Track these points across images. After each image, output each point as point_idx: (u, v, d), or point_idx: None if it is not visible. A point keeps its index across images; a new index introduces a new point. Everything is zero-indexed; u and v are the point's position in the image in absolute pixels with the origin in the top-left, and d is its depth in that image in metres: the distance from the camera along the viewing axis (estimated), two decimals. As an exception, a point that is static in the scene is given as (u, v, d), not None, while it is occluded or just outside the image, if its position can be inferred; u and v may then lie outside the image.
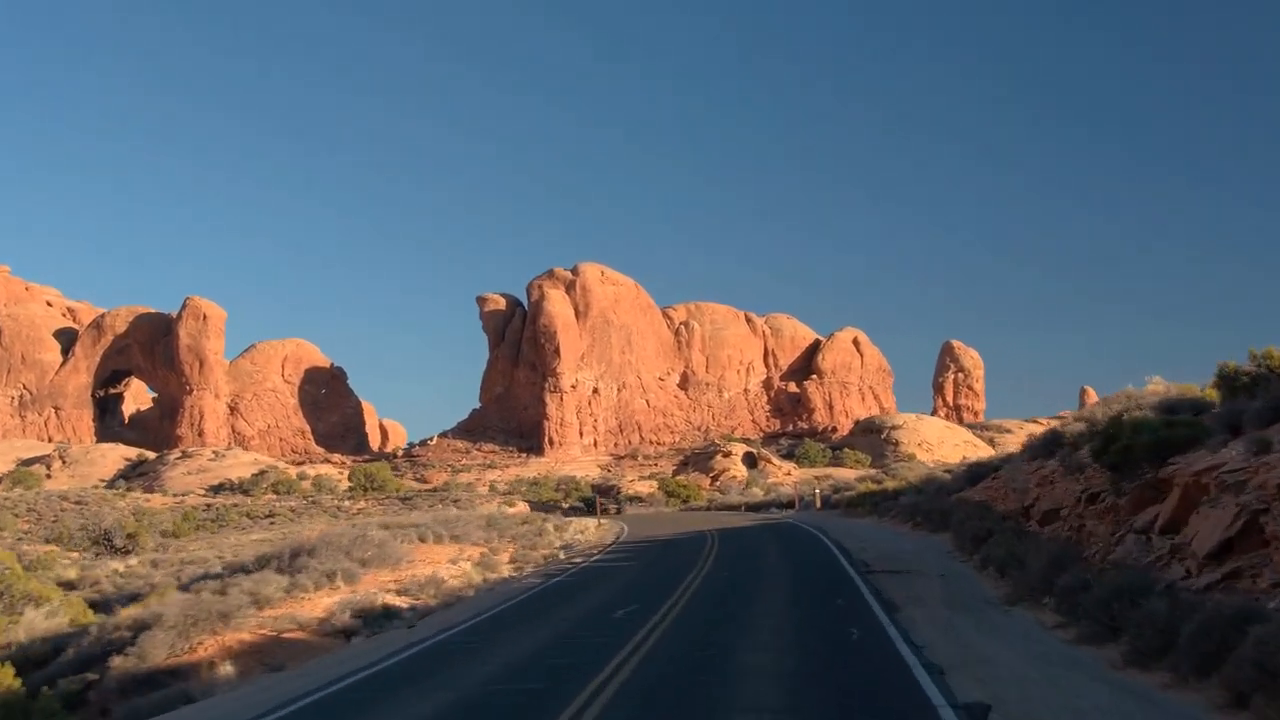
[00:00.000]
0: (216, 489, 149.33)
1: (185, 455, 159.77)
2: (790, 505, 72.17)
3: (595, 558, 45.55)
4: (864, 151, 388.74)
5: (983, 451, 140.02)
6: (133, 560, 77.60)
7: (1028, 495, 37.26)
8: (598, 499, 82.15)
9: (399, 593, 37.52)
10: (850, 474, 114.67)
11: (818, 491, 69.07)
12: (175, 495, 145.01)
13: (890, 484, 60.22)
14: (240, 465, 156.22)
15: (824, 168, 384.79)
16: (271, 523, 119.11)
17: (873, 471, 79.09)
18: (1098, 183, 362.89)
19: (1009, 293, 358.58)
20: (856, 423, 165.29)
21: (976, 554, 35.41)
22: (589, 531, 62.36)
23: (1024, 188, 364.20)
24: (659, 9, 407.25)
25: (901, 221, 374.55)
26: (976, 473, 49.18)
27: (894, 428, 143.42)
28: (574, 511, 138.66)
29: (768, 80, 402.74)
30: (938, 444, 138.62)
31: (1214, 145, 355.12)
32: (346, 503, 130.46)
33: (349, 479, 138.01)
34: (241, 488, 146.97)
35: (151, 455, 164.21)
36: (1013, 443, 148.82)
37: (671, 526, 61.50)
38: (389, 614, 32.38)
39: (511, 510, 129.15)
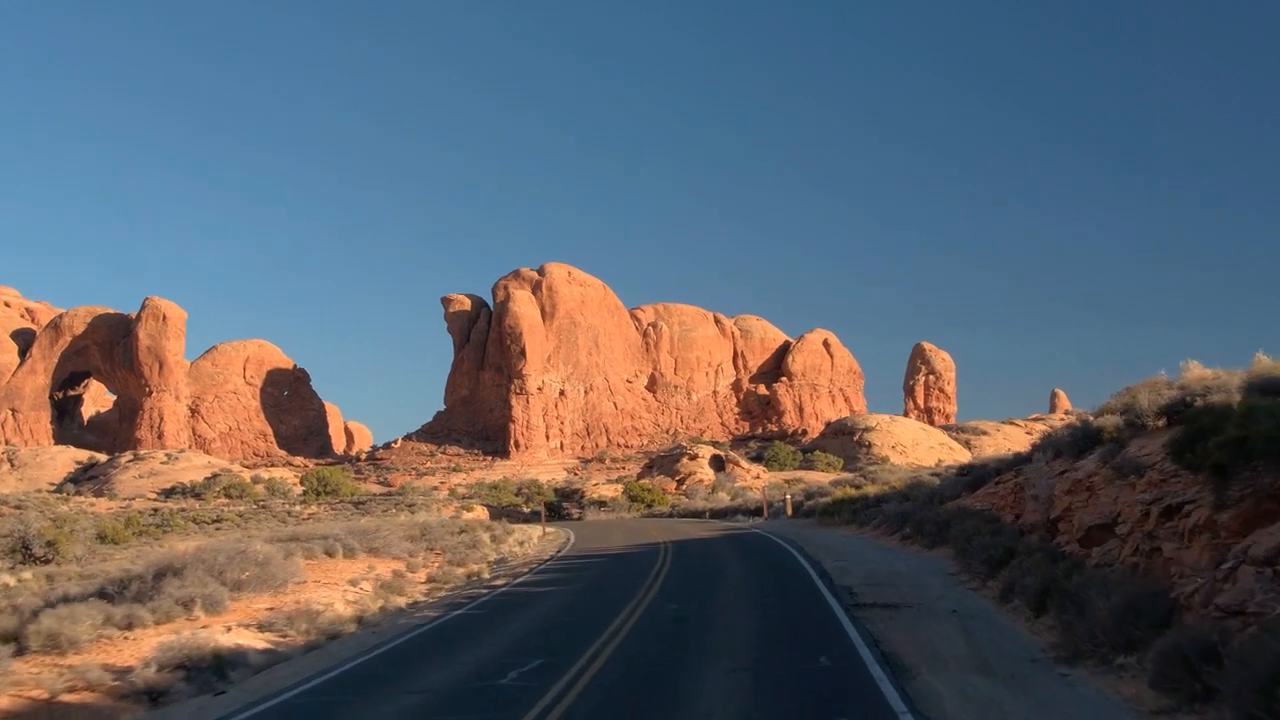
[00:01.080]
0: (168, 493, 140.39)
1: (137, 458, 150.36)
2: (759, 512, 63.80)
3: (522, 578, 36.86)
4: (833, 155, 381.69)
5: (958, 454, 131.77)
6: (37, 571, 68.65)
7: (1053, 505, 28.75)
8: (544, 510, 72.87)
9: (262, 628, 28.77)
10: (823, 478, 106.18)
11: (789, 497, 60.25)
12: (124, 499, 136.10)
13: (871, 489, 51.72)
14: (194, 468, 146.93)
15: (794, 170, 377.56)
16: (217, 528, 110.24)
17: (848, 475, 70.43)
18: (1066, 187, 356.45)
19: (979, 296, 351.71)
20: (828, 424, 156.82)
21: (992, 580, 26.97)
22: (531, 542, 53.67)
23: (993, 191, 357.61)
24: (627, 12, 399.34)
25: (871, 224, 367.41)
26: (977, 476, 40.64)
27: (867, 429, 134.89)
28: (535, 517, 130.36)
29: (737, 83, 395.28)
30: (912, 446, 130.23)
31: (1183, 151, 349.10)
32: (298, 507, 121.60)
33: (301, 483, 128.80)
34: (193, 491, 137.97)
35: (103, 458, 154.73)
36: (989, 445, 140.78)
37: (624, 537, 52.91)
38: (222, 663, 23.61)
39: (469, 515, 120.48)
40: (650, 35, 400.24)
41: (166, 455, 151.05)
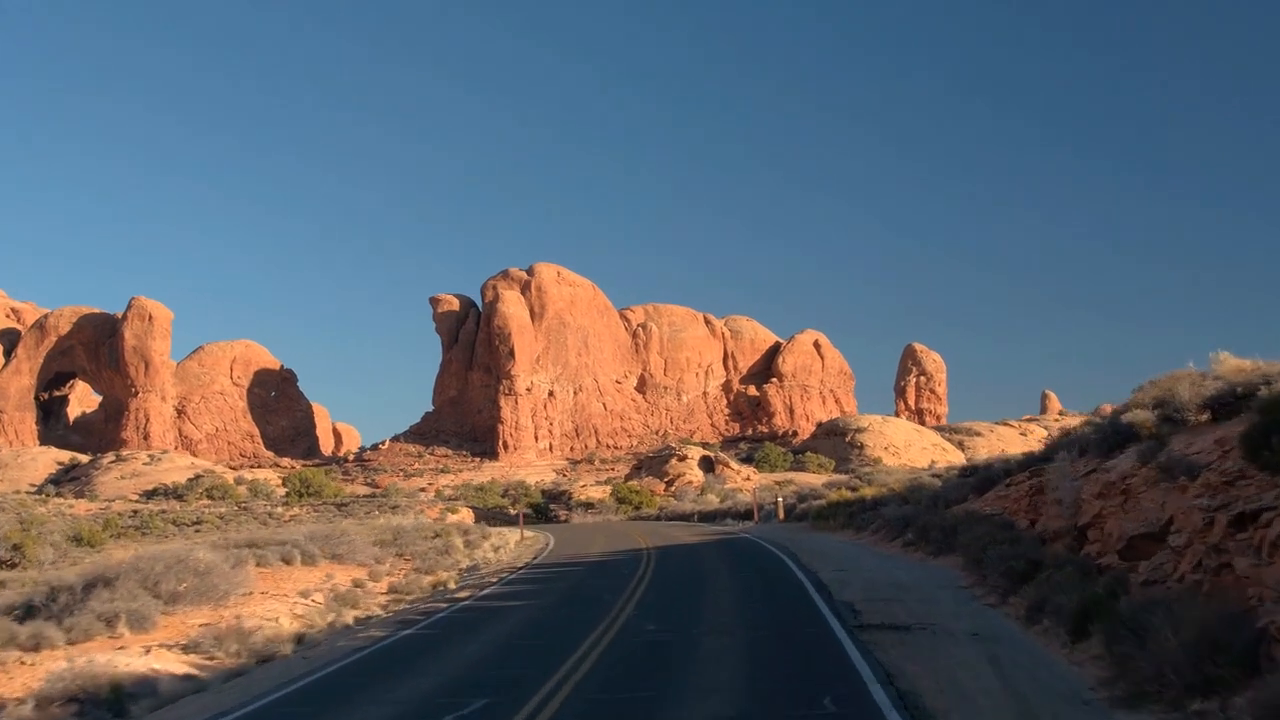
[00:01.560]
0: (150, 494, 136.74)
1: (119, 459, 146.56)
2: (749, 515, 60.16)
3: (489, 590, 33.22)
4: (824, 155, 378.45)
5: (951, 455, 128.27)
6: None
7: (1080, 510, 25.19)
8: (521, 514, 68.77)
9: (187, 649, 25.15)
10: (814, 479, 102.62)
11: (780, 500, 56.37)
12: (105, 501, 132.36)
13: (868, 491, 47.99)
14: (177, 469, 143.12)
15: (784, 170, 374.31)
16: (197, 530, 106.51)
17: (842, 477, 66.77)
18: (1057, 188, 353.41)
19: (970, 297, 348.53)
20: (819, 425, 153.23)
21: (1013, 596, 23.41)
22: (507, 548, 50.00)
23: (983, 192, 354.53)
24: (618, 12, 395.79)
25: (862, 225, 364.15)
26: (985, 478, 37.02)
27: (859, 430, 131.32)
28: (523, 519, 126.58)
29: (729, 83, 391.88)
30: (904, 447, 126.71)
31: (1175, 152, 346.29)
32: (279, 509, 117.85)
33: (284, 484, 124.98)
34: (176, 493, 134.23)
35: (85, 459, 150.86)
36: (983, 446, 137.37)
37: (606, 541, 49.28)
38: (120, 695, 19.99)
39: (454, 517, 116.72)
40: (641, 34, 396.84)
41: (149, 456, 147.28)
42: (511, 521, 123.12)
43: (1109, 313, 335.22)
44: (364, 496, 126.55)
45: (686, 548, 42.82)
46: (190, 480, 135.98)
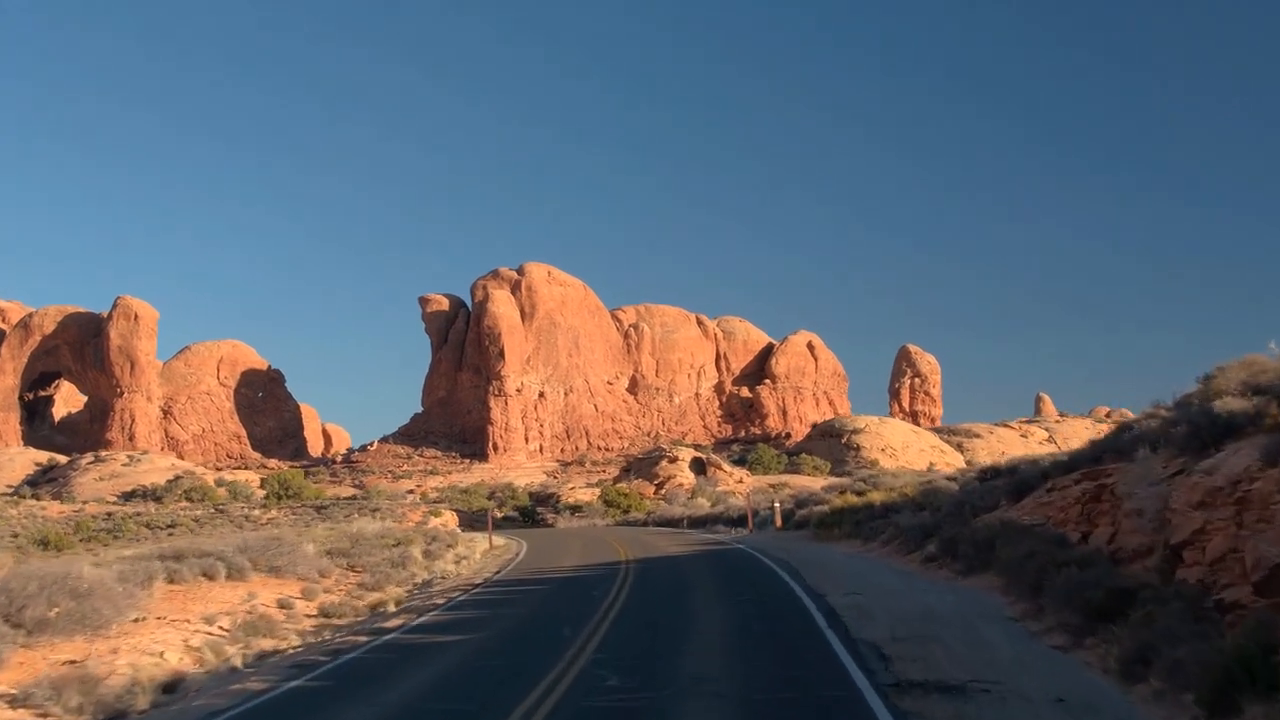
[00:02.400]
0: (128, 496, 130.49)
1: (98, 460, 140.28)
2: (742, 522, 53.97)
3: (428, 616, 27.09)
4: (817, 157, 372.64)
5: (950, 457, 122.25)
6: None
7: (1170, 523, 19.14)
8: (490, 519, 61.98)
9: (16, 702, 19.04)
10: (811, 482, 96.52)
11: (778, 505, 49.42)
12: (84, 502, 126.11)
13: (876, 496, 41.52)
14: (157, 470, 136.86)
15: (777, 172, 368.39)
16: (170, 533, 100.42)
17: (842, 480, 60.14)
18: (1050, 191, 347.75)
19: (963, 300, 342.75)
20: (814, 426, 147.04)
21: (1090, 636, 17.38)
22: (473, 558, 43.87)
23: (977, 196, 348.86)
24: (610, 12, 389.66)
25: (856, 227, 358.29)
26: (1020, 481, 30.90)
27: (855, 431, 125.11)
28: (508, 523, 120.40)
29: (721, 84, 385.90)
30: (902, 449, 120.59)
31: (1171, 155, 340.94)
32: (257, 511, 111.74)
33: (261, 486, 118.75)
34: (154, 494, 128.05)
35: (64, 460, 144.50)
36: (982, 448, 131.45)
37: (583, 552, 43.15)
38: None
39: (436, 521, 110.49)
40: (633, 34, 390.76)
41: (128, 457, 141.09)
42: (498, 526, 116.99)
43: (1101, 316, 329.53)
44: (344, 499, 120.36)
45: (670, 561, 36.67)
46: (169, 482, 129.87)
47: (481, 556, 44.67)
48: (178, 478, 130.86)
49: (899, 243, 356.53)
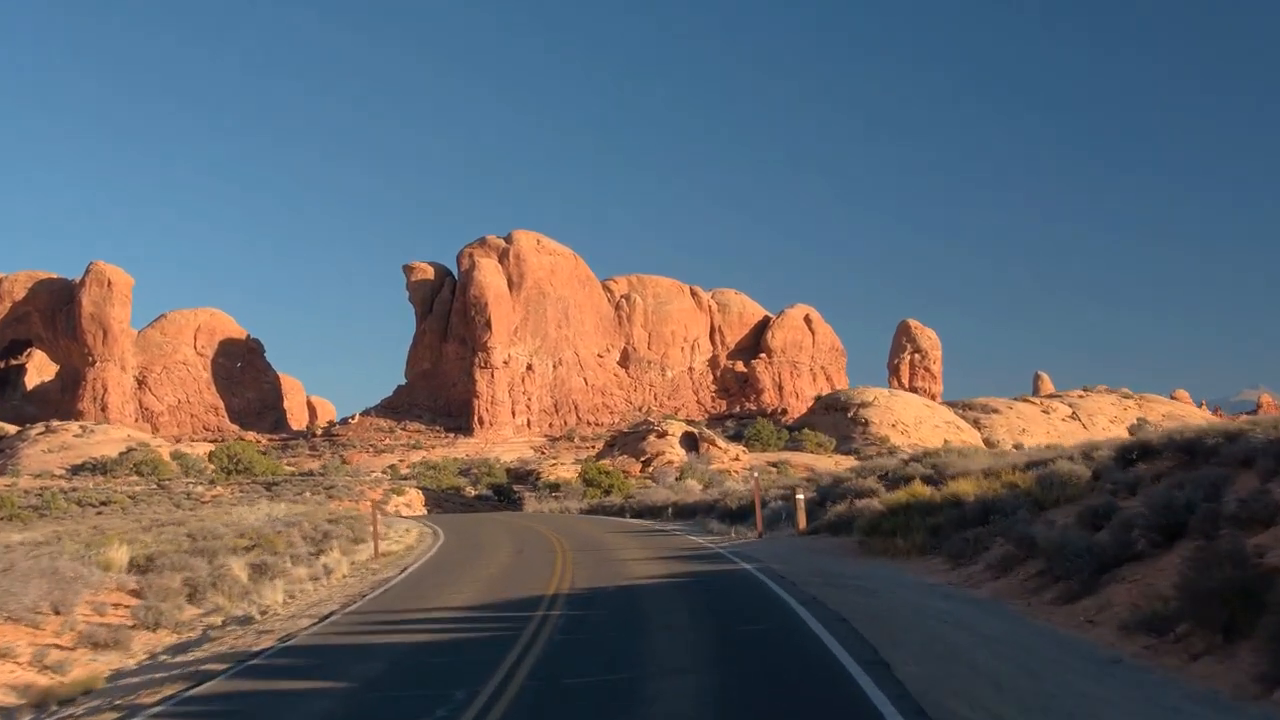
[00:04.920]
0: (78, 469, 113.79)
1: (49, 430, 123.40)
2: (742, 516, 37.01)
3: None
4: (812, 136, 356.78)
5: (966, 434, 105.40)
6: None
7: None
8: (374, 515, 43.46)
9: None
10: (818, 461, 79.90)
11: (800, 498, 31.12)
12: (30, 475, 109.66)
13: (967, 487, 23.61)
14: (109, 442, 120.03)
15: (775, 149, 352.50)
16: (99, 512, 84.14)
17: (886, 461, 41.01)
18: (1047, 173, 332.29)
19: (961, 280, 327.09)
20: (817, 399, 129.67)
21: None
22: (337, 573, 26.82)
23: (973, 176, 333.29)
24: None
25: (854, 206, 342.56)
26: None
27: (863, 405, 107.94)
28: (483, 502, 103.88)
29: (718, 65, 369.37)
30: (915, 425, 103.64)
31: (1168, 138, 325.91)
32: (201, 488, 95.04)
33: (210, 460, 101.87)
34: (104, 468, 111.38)
35: (13, 430, 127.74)
36: (1000, 424, 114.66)
37: (507, 566, 26.18)
38: None
39: (399, 500, 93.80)
40: (629, 15, 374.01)
41: (81, 428, 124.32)
42: (470, 506, 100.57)
43: (1098, 295, 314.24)
44: (299, 475, 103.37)
45: (627, 601, 19.47)
46: (121, 455, 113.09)
47: (352, 570, 27.69)
48: (130, 450, 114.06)
49: (896, 222, 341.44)
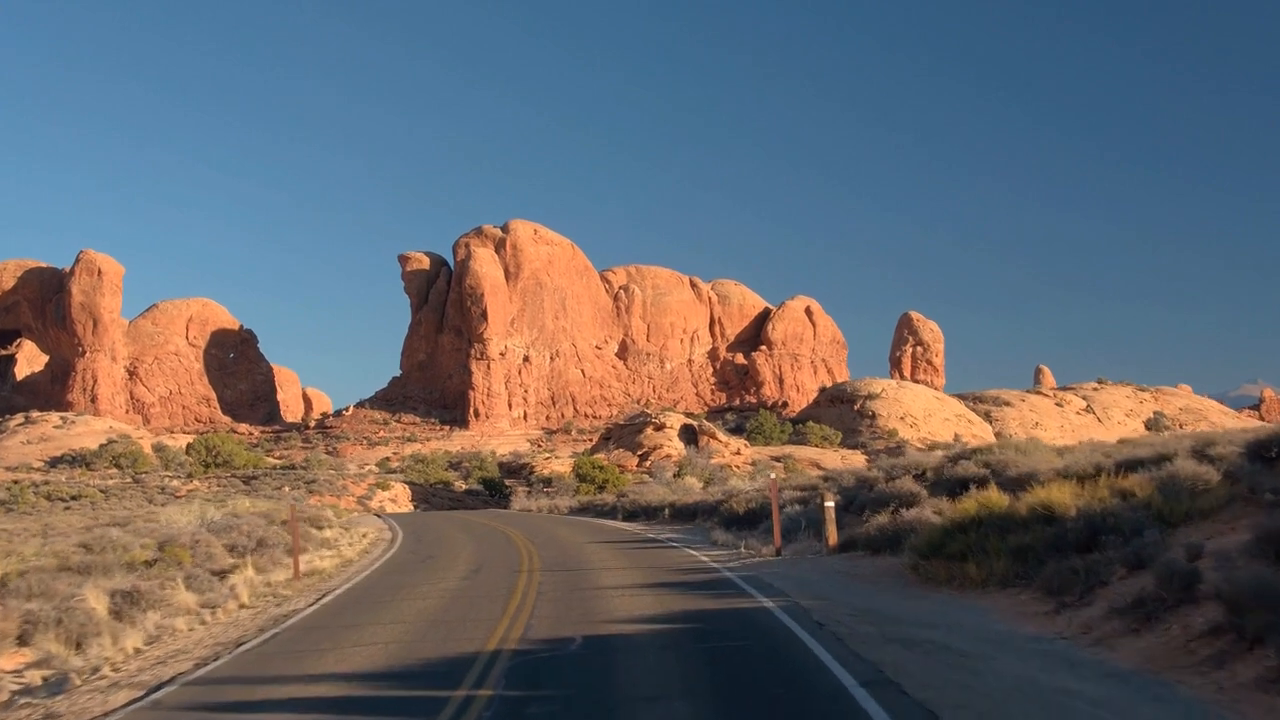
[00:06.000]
0: (57, 461, 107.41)
1: (28, 421, 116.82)
2: (750, 520, 30.37)
3: None
4: (810, 129, 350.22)
5: (978, 428, 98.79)
6: None
7: None
8: (294, 526, 35.49)
9: None
10: (825, 457, 73.22)
11: (830, 505, 24.43)
12: (3, 468, 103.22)
13: (1062, 495, 16.50)
14: (90, 434, 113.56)
15: (774, 141, 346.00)
16: (67, 508, 77.75)
17: (923, 458, 33.30)
18: (1048, 169, 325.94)
19: (962, 274, 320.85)
20: (822, 390, 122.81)
21: None
22: (228, 605, 20.09)
23: (975, 173, 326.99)
24: None
25: (854, 200, 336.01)
26: None
27: (870, 397, 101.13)
28: (472, 498, 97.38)
29: (718, 55, 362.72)
30: (924, 417, 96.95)
31: (1171, 134, 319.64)
32: (177, 482, 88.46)
33: (186, 452, 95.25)
34: (84, 460, 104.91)
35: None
36: (1013, 417, 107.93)
37: (455, 591, 19.72)
38: None
39: (384, 494, 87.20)
40: (624, 2, 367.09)
41: (61, 418, 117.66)
42: (458, 502, 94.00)
43: (1097, 289, 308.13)
44: (279, 469, 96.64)
45: (600, 668, 12.94)
46: (101, 447, 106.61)
47: (255, 597, 20.98)
48: (111, 442, 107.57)
49: (897, 214, 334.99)
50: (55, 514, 69.15)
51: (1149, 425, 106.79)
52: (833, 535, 22.14)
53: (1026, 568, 17.06)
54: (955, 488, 24.52)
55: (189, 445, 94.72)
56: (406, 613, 17.87)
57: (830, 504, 22.25)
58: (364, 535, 35.87)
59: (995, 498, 18.21)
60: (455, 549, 29.90)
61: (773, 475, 26.38)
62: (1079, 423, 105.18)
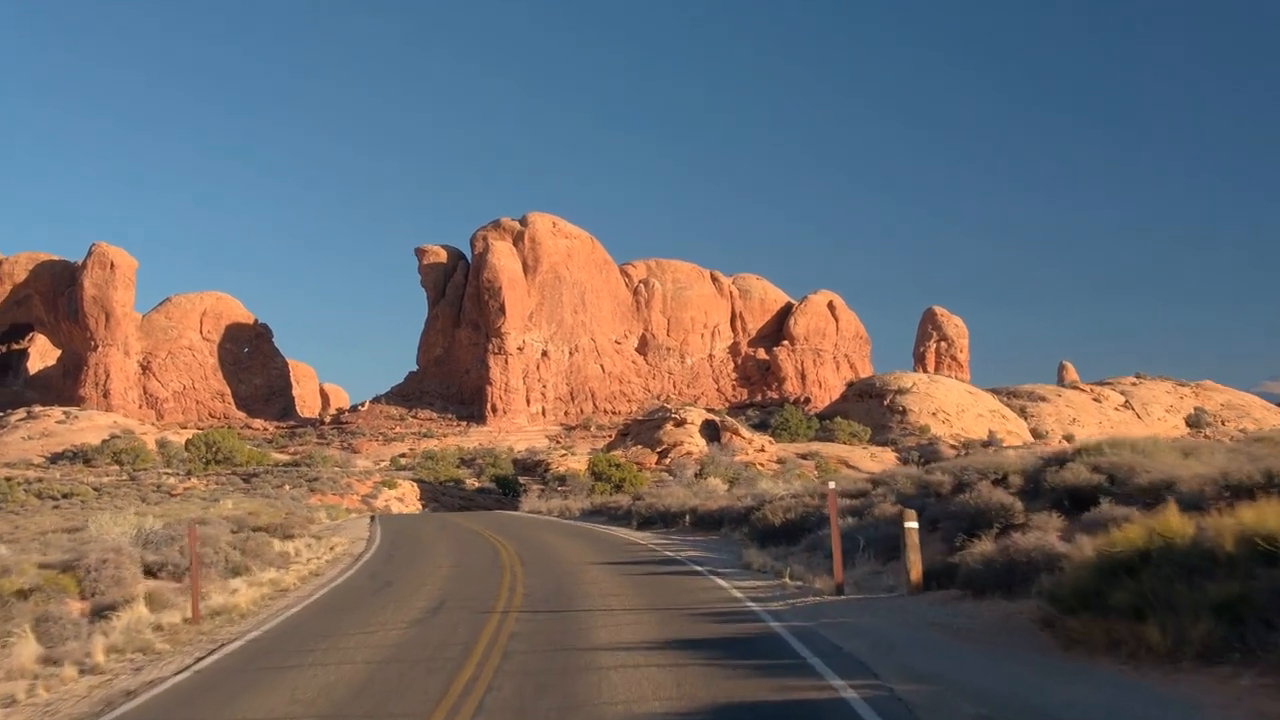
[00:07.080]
0: (58, 457, 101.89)
1: (30, 416, 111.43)
2: (791, 533, 24.26)
3: None
4: (831, 125, 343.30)
5: (1013, 424, 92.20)
6: None
7: None
8: (191, 542, 29.04)
9: None
10: (854, 454, 66.89)
11: (912, 526, 18.43)
12: (3, 465, 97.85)
13: (1273, 520, 12.39)
14: (94, 429, 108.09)
15: (797, 135, 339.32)
16: (56, 506, 72.21)
17: (1002, 459, 27.39)
18: (1068, 166, 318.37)
19: (986, 270, 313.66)
20: (849, 385, 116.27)
21: None
22: (56, 679, 13.94)
23: (998, 165, 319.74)
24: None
25: (877, 192, 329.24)
26: None
27: (900, 391, 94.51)
28: (484, 497, 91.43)
29: (740, 50, 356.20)
30: (957, 413, 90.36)
31: (1194, 130, 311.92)
32: (174, 479, 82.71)
33: (186, 448, 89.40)
34: (85, 456, 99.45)
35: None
36: (1049, 413, 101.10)
37: (397, 645, 13.95)
38: None
39: (390, 494, 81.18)
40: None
41: (64, 414, 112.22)
42: (468, 501, 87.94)
43: (1119, 286, 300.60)
44: (281, 466, 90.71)
45: None
46: (103, 443, 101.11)
47: (111, 654, 14.85)
48: (112, 438, 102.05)
49: (920, 210, 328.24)
50: (42, 514, 63.56)
51: (1190, 422, 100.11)
52: (915, 568, 15.86)
53: (1243, 633, 10.75)
54: (1064, 500, 18.25)
55: (188, 441, 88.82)
56: (304, 692, 11.64)
57: (913, 525, 15.94)
58: (333, 547, 29.88)
59: (1177, 523, 12.00)
60: (425, 571, 23.75)
61: (831, 485, 19.80)
62: (1118, 419, 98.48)
